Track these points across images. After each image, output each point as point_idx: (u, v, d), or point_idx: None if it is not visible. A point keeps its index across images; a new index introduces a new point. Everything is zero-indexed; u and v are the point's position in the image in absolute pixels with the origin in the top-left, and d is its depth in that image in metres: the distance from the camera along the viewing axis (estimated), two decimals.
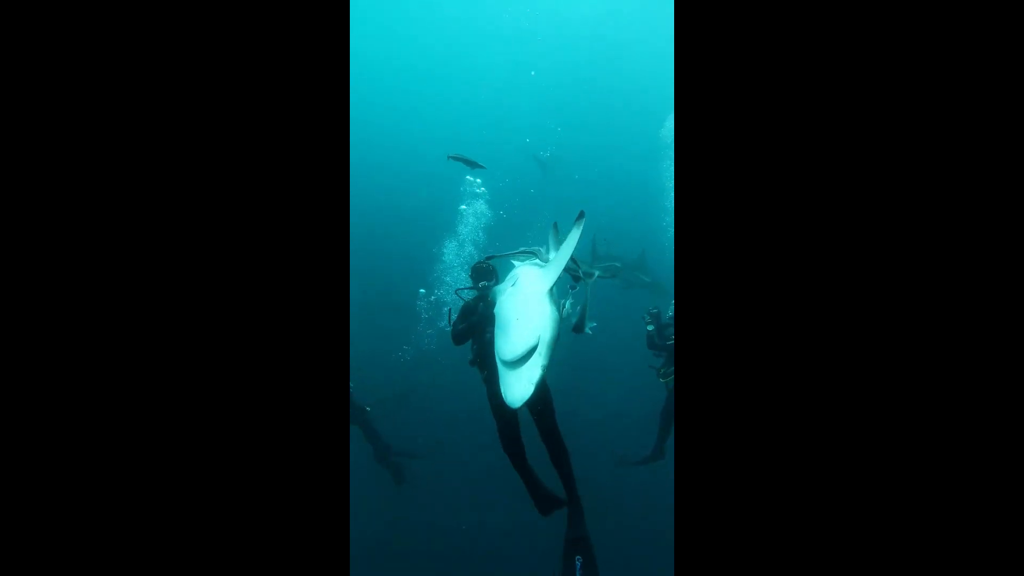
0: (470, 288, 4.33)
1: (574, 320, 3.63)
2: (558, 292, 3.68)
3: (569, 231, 3.40)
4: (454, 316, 4.21)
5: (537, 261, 3.95)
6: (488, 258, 4.26)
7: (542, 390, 3.84)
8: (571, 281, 3.82)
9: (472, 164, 6.34)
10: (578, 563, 4.05)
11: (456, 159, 6.50)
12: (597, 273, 3.86)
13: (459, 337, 4.13)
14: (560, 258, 3.37)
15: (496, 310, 3.48)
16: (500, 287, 3.85)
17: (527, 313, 3.19)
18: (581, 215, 3.43)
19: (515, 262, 4.16)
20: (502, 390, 2.97)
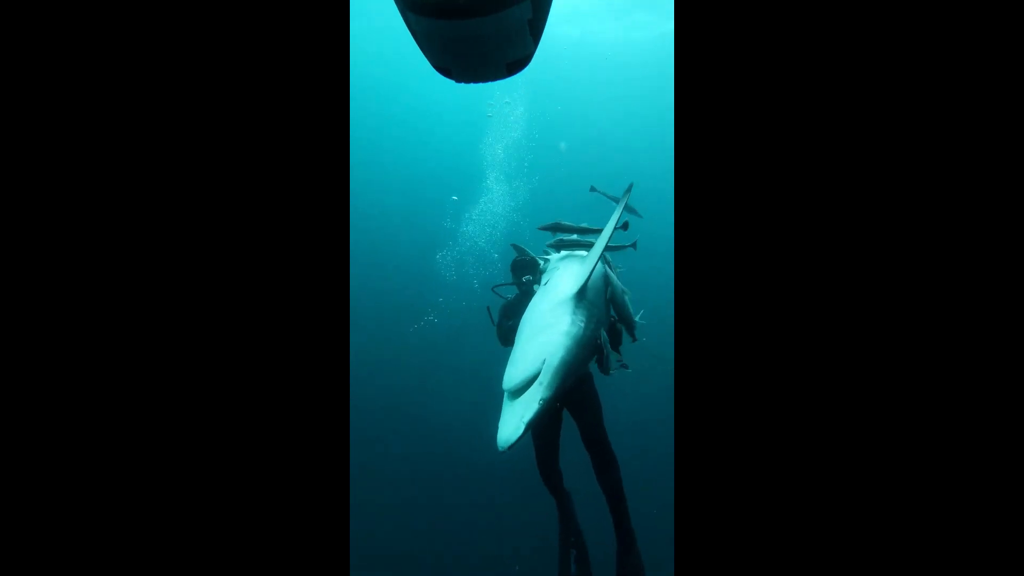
0: (510, 284, 3.83)
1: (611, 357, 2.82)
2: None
3: (614, 210, 2.69)
4: (495, 315, 3.72)
5: (581, 252, 3.24)
6: (554, 235, 3.44)
7: (587, 392, 3.34)
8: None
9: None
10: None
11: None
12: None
13: (505, 338, 3.62)
14: (596, 248, 2.70)
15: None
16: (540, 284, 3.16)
17: (540, 327, 2.50)
18: (630, 187, 2.78)
19: (553, 254, 3.50)
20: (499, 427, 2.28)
